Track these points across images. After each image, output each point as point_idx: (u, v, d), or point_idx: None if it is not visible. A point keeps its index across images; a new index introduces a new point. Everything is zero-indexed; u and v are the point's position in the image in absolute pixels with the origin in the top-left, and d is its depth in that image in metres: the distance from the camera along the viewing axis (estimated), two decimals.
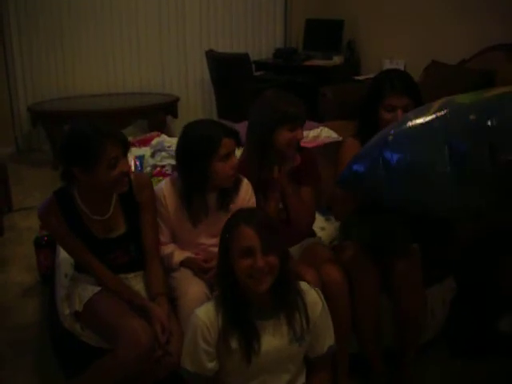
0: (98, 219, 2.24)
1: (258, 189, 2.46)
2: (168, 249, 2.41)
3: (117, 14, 6.13)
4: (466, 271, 2.64)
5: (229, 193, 2.37)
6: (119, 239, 2.29)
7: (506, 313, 2.70)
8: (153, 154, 3.51)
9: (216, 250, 2.27)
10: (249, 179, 2.44)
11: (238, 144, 2.34)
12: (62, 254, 2.64)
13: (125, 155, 2.15)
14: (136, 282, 2.33)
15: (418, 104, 2.33)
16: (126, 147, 2.15)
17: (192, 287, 2.26)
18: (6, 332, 2.90)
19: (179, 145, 2.36)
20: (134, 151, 3.58)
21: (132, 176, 2.28)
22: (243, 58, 5.57)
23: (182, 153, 2.34)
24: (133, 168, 3.35)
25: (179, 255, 2.39)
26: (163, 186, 2.41)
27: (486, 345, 2.67)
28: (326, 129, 3.82)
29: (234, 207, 2.36)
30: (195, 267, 2.35)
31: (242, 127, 4.53)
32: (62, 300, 2.38)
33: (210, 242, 2.41)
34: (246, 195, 2.42)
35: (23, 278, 3.44)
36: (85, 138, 2.06)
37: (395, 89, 2.39)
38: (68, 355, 2.37)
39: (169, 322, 2.12)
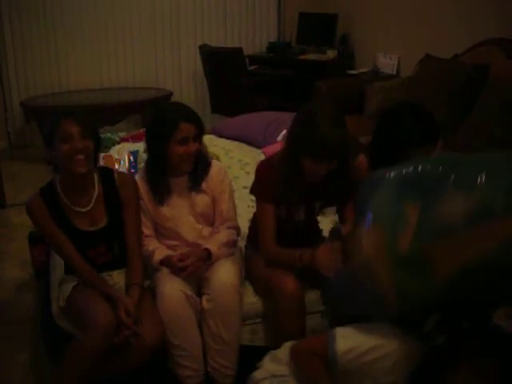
0: (80, 211, 2.27)
1: (286, 197, 2.32)
2: (150, 246, 2.41)
3: (110, 9, 6.10)
4: None
5: (198, 174, 2.42)
6: (100, 232, 2.30)
7: None
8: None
9: (198, 243, 2.36)
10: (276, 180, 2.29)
11: (201, 131, 2.36)
12: None
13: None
14: (119, 279, 2.34)
15: None
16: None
17: (167, 287, 2.27)
18: (0, 327, 2.90)
19: (146, 127, 2.48)
20: (128, 146, 3.57)
21: (115, 174, 2.35)
22: (237, 53, 5.55)
23: (147, 134, 2.43)
24: (127, 163, 3.34)
25: (159, 254, 2.39)
26: (137, 177, 2.45)
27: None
28: None
29: (205, 187, 2.43)
30: (171, 266, 2.35)
31: (235, 121, 4.55)
32: (55, 297, 2.38)
33: (191, 235, 2.44)
34: (219, 175, 2.46)
35: (17, 273, 3.44)
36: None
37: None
38: (61, 351, 2.36)
39: (136, 308, 2.17)
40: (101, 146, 2.34)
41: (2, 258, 3.65)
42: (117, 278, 2.34)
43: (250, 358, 2.28)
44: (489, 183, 1.75)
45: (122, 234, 2.34)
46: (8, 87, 5.89)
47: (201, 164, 2.42)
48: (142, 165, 3.36)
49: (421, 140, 2.24)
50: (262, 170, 2.37)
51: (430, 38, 4.75)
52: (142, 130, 4.02)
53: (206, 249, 2.37)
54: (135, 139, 3.78)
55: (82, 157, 2.18)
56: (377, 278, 1.86)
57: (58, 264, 2.61)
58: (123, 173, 2.52)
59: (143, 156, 3.45)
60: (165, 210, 2.41)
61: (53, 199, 2.25)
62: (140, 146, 3.55)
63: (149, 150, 2.42)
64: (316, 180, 2.25)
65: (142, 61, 6.39)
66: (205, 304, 2.28)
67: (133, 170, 3.36)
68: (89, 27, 6.05)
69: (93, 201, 2.29)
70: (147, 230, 2.42)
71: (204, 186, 2.43)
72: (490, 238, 1.74)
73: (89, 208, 2.28)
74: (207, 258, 2.36)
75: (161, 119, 2.35)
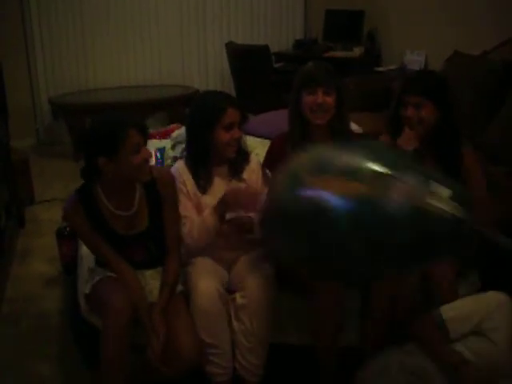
0: (122, 215, 2.23)
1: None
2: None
3: (137, 7, 6.15)
4: (489, 268, 2.61)
5: (239, 162, 2.45)
6: (140, 236, 2.28)
7: None
8: (173, 146, 3.51)
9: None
10: (290, 148, 2.41)
11: (244, 118, 2.39)
12: (85, 247, 2.65)
13: (145, 143, 2.17)
14: (151, 279, 2.32)
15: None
16: (146, 135, 2.18)
17: (202, 282, 2.26)
18: (28, 322, 2.94)
19: (188, 115, 2.48)
20: (155, 143, 3.58)
21: (155, 171, 2.28)
22: (263, 50, 5.54)
23: (190, 122, 2.44)
24: (154, 160, 3.35)
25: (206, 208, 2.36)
26: (178, 166, 2.47)
27: None
28: None
29: (246, 177, 2.45)
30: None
31: (261, 119, 4.53)
32: (83, 294, 2.39)
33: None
34: (257, 167, 2.51)
35: (45, 269, 3.48)
36: (108, 125, 2.10)
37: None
38: (89, 348, 2.38)
39: (168, 314, 2.17)
40: None
41: (31, 253, 3.69)
42: (149, 278, 2.32)
43: (275, 356, 2.29)
44: None
45: (160, 234, 2.31)
46: (37, 85, 5.97)
47: (241, 153, 2.45)
48: (168, 162, 3.38)
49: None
50: (275, 140, 2.60)
51: (458, 35, 4.69)
52: (169, 127, 4.04)
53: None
54: (162, 136, 3.79)
55: (147, 165, 2.18)
56: None
57: (85, 259, 2.63)
58: (161, 168, 2.43)
59: (170, 153, 3.46)
60: (206, 199, 2.40)
61: (91, 202, 2.21)
62: (167, 143, 3.57)
63: (191, 137, 2.43)
64: (322, 121, 2.41)
65: (169, 58, 6.42)
66: (239, 300, 2.28)
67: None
68: (116, 25, 6.11)
69: (136, 204, 2.24)
70: (190, 214, 2.37)
71: (245, 175, 2.46)
72: None
73: (132, 212, 2.24)
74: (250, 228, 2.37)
75: (207, 105, 2.36)
